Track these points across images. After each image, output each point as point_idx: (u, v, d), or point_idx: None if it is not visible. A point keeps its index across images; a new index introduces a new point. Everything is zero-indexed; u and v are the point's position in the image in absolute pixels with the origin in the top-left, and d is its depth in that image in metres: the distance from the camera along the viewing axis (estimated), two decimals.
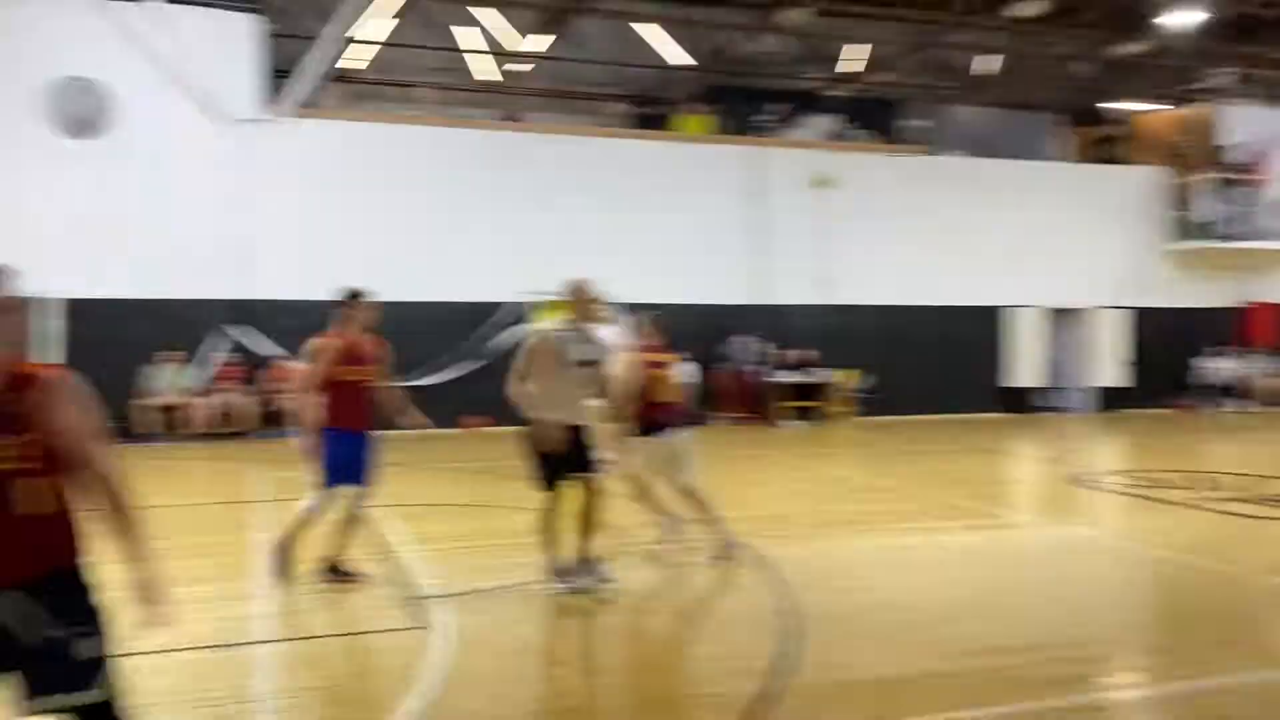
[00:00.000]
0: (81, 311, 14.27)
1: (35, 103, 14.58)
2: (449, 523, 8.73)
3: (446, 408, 15.76)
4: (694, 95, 19.90)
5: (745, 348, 18.13)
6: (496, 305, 16.54)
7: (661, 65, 20.92)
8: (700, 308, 17.65)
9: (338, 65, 17.43)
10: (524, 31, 18.63)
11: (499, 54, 19.39)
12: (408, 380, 15.67)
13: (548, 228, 16.79)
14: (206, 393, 15.08)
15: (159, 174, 15.02)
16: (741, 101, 20.34)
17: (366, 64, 18.61)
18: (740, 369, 18.02)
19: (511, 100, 19.71)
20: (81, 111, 14.79)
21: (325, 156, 15.95)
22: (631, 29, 19.79)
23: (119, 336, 14.16)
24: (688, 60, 20.25)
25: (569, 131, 18.37)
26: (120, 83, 14.95)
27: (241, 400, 15.13)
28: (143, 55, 14.98)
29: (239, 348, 15.51)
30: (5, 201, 14.18)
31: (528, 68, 19.94)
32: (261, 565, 6.45)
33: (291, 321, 13.45)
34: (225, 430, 14.86)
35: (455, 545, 7.72)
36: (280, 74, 16.29)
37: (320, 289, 15.49)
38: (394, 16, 17.40)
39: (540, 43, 19.34)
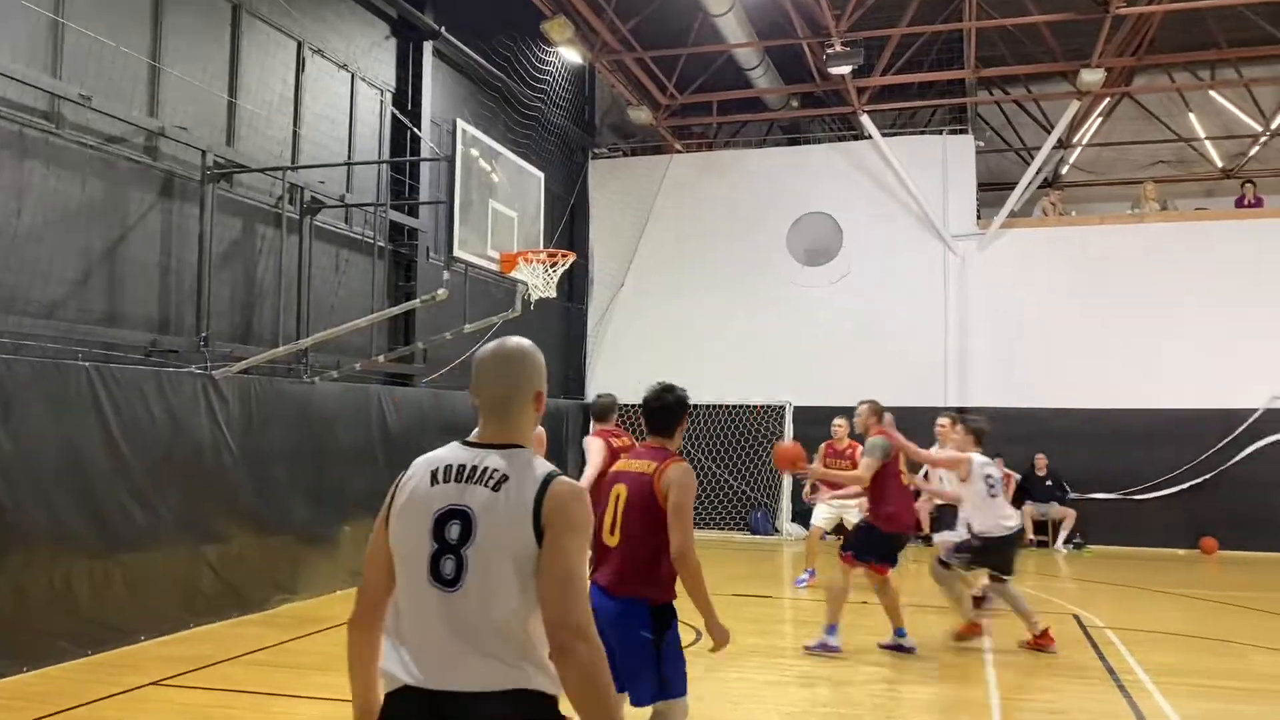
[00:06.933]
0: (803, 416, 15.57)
1: (781, 238, 16.67)
2: (1180, 654, 7.86)
3: (1175, 525, 14.32)
4: None
5: None
6: (1232, 411, 14.62)
7: None
8: None
9: (1047, 172, 17.28)
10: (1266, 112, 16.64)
11: (1231, 137, 17.54)
12: (1127, 492, 14.54)
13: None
14: None
15: (881, 293, 16.01)
16: None
17: (1071, 166, 18.18)
18: None
19: (1239, 184, 17.49)
20: (817, 242, 16.67)
21: (1035, 264, 15.67)
22: None
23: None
24: None
25: None
26: (847, 212, 16.42)
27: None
28: (870, 185, 16.31)
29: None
30: (747, 324, 16.30)
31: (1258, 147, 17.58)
32: None
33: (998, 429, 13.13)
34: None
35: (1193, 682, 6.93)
36: (987, 187, 16.65)
37: (1032, 397, 15.19)
38: (1100, 116, 16.80)
39: None
